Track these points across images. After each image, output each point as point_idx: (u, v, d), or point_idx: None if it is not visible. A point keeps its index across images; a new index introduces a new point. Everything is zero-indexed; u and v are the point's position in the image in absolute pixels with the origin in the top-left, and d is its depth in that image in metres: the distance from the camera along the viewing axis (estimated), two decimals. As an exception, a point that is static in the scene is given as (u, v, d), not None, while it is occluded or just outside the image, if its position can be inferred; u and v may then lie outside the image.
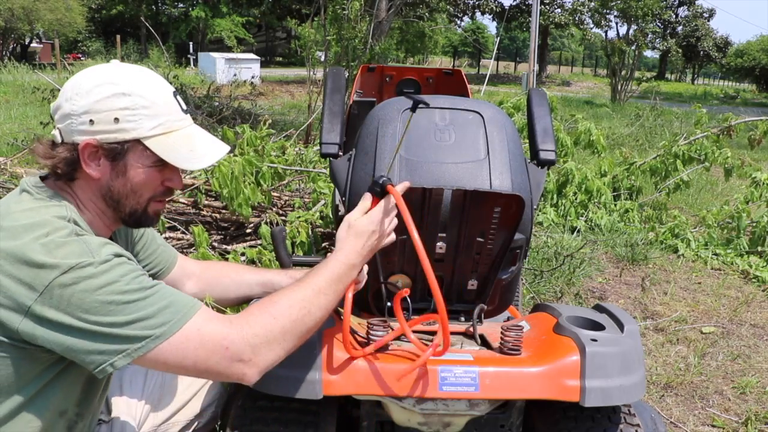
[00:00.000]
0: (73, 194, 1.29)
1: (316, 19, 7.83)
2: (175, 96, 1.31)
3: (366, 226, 1.36)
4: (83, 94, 1.22)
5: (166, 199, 1.40)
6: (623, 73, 19.31)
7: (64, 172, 1.25)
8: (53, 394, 1.25)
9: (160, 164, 1.28)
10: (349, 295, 1.36)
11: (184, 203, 3.29)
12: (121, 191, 1.28)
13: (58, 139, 1.25)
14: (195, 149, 1.29)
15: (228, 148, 1.37)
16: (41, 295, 1.12)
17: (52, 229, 1.17)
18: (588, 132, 5.77)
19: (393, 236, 1.43)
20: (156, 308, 1.16)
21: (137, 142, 1.25)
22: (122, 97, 1.22)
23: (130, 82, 1.24)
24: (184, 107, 1.33)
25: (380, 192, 1.39)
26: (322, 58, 7.16)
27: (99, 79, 1.23)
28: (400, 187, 1.40)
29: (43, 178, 1.31)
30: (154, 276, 1.64)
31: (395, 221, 1.42)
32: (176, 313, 1.17)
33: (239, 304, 1.76)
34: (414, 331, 1.58)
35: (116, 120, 1.22)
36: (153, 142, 1.25)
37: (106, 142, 1.23)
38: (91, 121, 1.21)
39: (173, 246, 3.19)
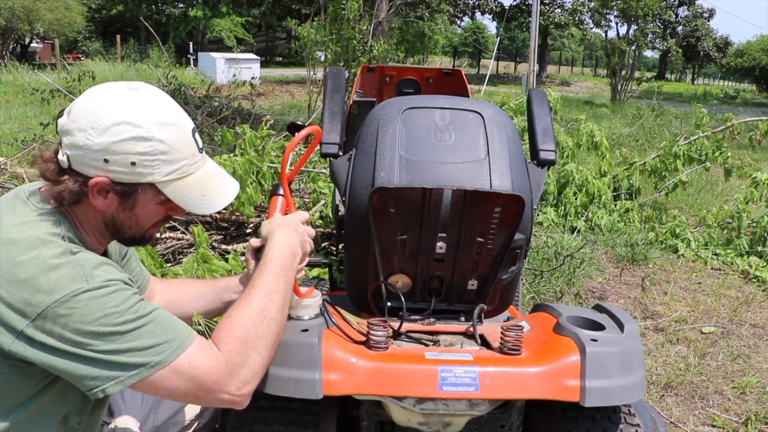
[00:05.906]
0: (71, 213, 1.26)
1: (315, 19, 7.83)
2: (193, 134, 1.28)
3: (280, 218, 1.46)
4: (100, 131, 1.17)
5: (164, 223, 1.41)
6: (623, 73, 19.29)
7: (70, 201, 1.22)
8: (54, 405, 1.24)
9: (168, 200, 1.28)
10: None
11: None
12: (125, 222, 1.28)
13: (65, 165, 1.20)
14: (207, 194, 1.30)
15: (238, 186, 1.40)
16: (33, 321, 1.10)
17: (44, 248, 1.14)
18: (591, 134, 5.76)
19: (306, 214, 1.52)
20: (152, 338, 1.15)
21: (151, 185, 1.24)
22: (142, 141, 1.18)
23: (151, 122, 1.20)
24: (201, 145, 1.31)
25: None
26: (322, 58, 7.16)
27: (118, 115, 1.18)
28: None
29: (40, 186, 1.28)
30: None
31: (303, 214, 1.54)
32: (171, 344, 1.17)
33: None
34: (414, 331, 1.59)
35: (133, 164, 1.19)
36: (167, 188, 1.25)
37: (118, 181, 1.21)
38: (106, 160, 1.18)
39: (173, 246, 3.21)
